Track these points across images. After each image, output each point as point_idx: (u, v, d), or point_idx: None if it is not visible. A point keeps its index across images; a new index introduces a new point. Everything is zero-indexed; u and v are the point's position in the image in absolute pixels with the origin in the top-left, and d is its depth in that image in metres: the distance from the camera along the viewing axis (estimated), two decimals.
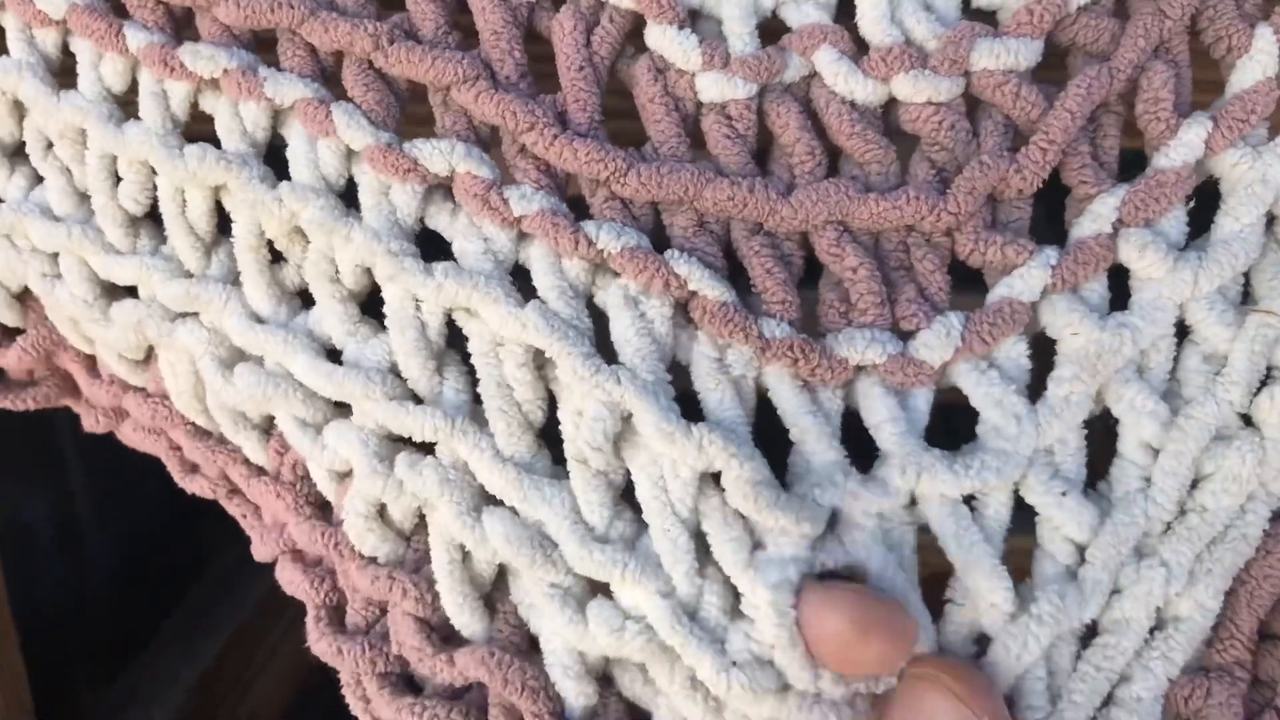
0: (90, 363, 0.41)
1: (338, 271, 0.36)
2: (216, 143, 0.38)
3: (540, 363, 0.34)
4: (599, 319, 0.35)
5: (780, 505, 0.31)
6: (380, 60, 0.36)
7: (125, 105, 0.38)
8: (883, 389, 0.33)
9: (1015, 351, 0.33)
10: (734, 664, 0.30)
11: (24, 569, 0.96)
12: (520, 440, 0.34)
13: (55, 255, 0.39)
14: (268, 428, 0.38)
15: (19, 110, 0.38)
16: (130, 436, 0.43)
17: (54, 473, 0.95)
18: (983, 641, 0.32)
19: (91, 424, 0.43)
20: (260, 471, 0.39)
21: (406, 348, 0.35)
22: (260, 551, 0.41)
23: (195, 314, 0.37)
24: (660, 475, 0.31)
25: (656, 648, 0.31)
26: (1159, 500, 0.32)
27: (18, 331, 0.42)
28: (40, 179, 0.39)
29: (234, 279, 0.38)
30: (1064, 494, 0.32)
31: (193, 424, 0.40)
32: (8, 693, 0.73)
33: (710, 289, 0.33)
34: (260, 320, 0.37)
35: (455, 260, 0.35)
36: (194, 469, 0.42)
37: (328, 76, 0.37)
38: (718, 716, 0.30)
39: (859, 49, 0.34)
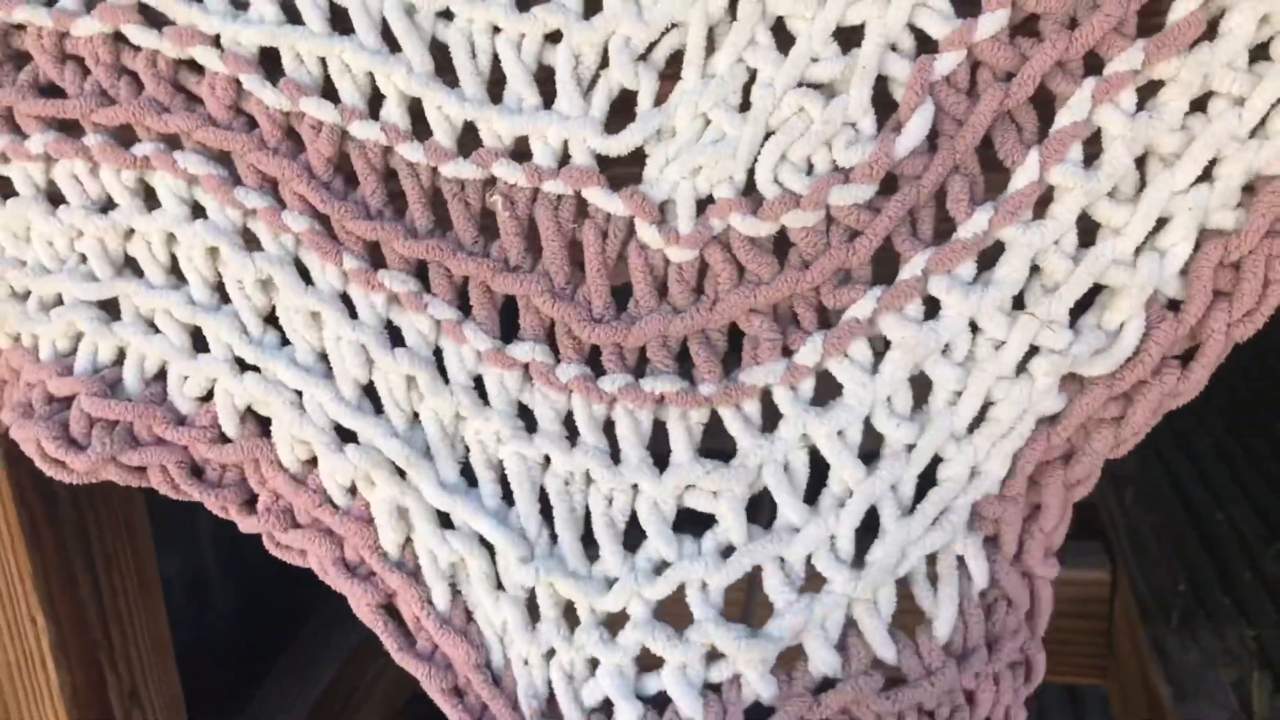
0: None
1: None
2: None
3: None
4: None
5: None
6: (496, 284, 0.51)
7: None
8: (790, 392, 0.49)
9: (860, 347, 0.49)
10: None
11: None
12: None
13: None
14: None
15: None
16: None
17: (184, 531, 1.09)
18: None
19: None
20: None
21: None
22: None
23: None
24: None
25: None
26: (961, 414, 0.49)
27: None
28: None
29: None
30: (898, 424, 0.49)
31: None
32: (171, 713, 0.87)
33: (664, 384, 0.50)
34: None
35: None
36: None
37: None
38: None
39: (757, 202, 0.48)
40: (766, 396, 0.50)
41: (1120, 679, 1.03)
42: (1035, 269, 0.47)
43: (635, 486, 0.51)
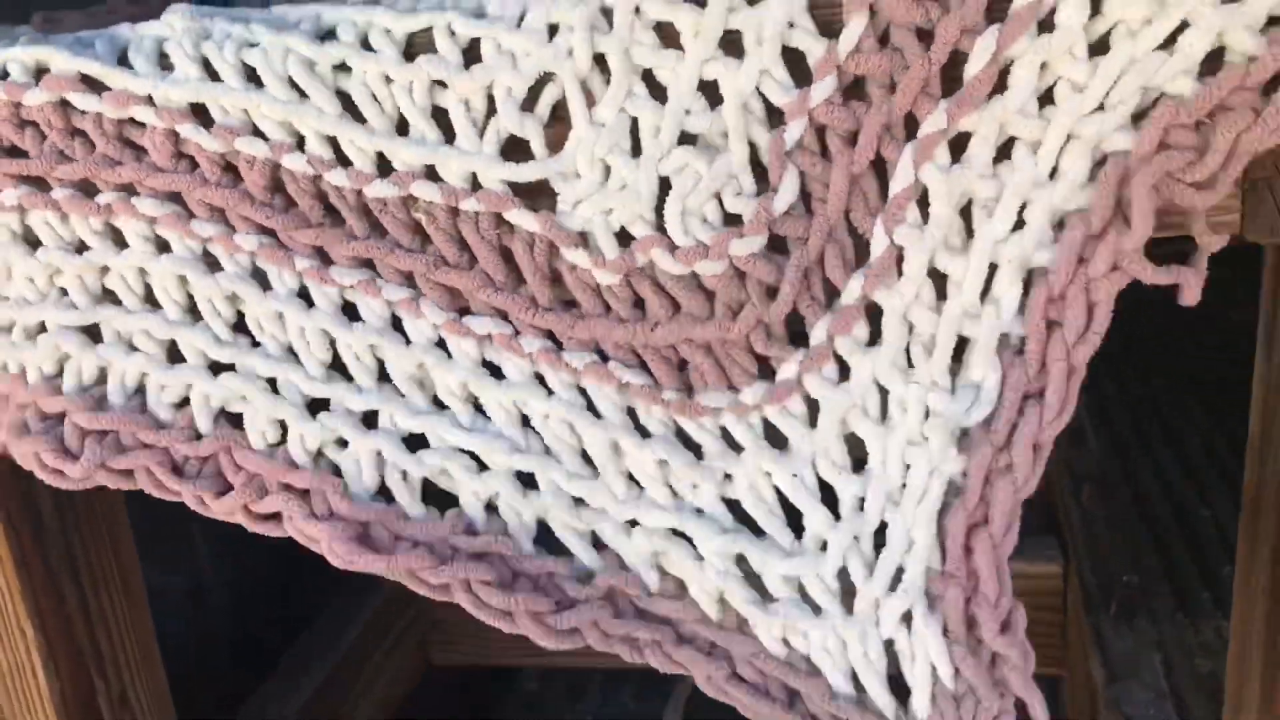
0: None
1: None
2: None
3: None
4: None
5: None
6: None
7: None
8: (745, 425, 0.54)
9: (796, 402, 0.53)
10: None
11: (157, 628, 1.17)
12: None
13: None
14: None
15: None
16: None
17: (184, 547, 1.16)
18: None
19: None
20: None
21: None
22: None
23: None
24: None
25: None
26: (890, 477, 0.52)
27: None
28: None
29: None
30: (839, 475, 0.53)
31: None
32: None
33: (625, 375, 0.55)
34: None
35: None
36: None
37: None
38: None
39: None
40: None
41: (1070, 669, 1.07)
42: (911, 327, 0.51)
43: (616, 443, 0.56)
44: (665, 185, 0.52)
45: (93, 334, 0.62)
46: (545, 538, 0.59)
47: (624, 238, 0.53)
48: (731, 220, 0.52)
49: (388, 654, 1.18)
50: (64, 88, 0.57)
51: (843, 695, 0.55)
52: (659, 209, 0.52)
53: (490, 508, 0.59)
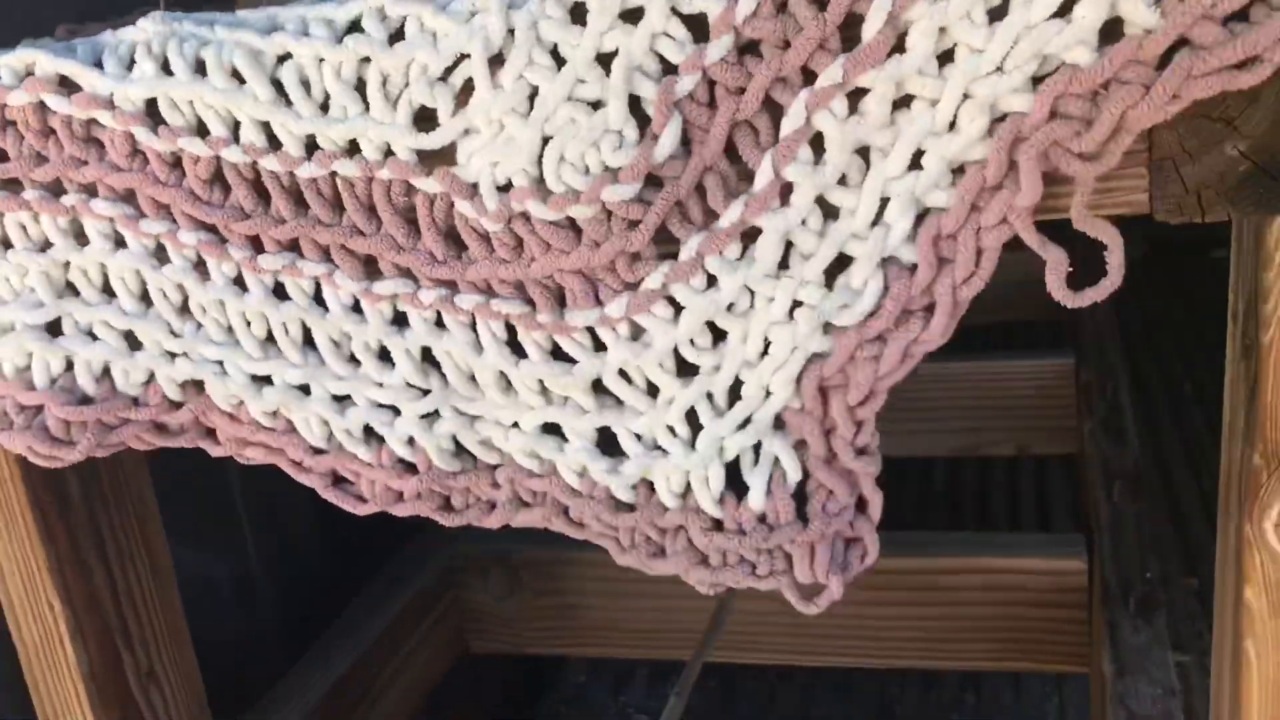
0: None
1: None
2: None
3: None
4: None
5: None
6: None
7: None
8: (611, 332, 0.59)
9: (661, 306, 0.57)
10: None
11: (209, 615, 1.23)
12: None
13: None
14: None
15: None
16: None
17: (232, 539, 1.21)
18: None
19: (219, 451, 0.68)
20: None
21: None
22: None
23: None
24: None
25: None
26: (749, 349, 0.57)
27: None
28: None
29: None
30: (699, 354, 0.58)
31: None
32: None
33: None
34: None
35: None
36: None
37: None
38: None
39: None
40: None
41: (1093, 665, 1.05)
42: (791, 244, 0.55)
43: (502, 373, 0.62)
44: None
45: (53, 328, 0.67)
46: None
47: (509, 189, 0.57)
48: (612, 172, 0.56)
49: (423, 639, 1.21)
50: (42, 89, 0.62)
51: (674, 509, 0.61)
52: (540, 162, 0.56)
53: (410, 441, 0.65)
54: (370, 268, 0.62)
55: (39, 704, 0.90)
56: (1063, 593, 1.08)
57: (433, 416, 0.64)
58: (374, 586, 1.22)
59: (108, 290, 0.66)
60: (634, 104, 0.54)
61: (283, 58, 0.59)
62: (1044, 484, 1.63)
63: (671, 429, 0.60)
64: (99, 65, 0.62)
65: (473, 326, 0.61)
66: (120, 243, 0.65)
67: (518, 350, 0.61)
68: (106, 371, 0.67)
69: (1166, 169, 0.51)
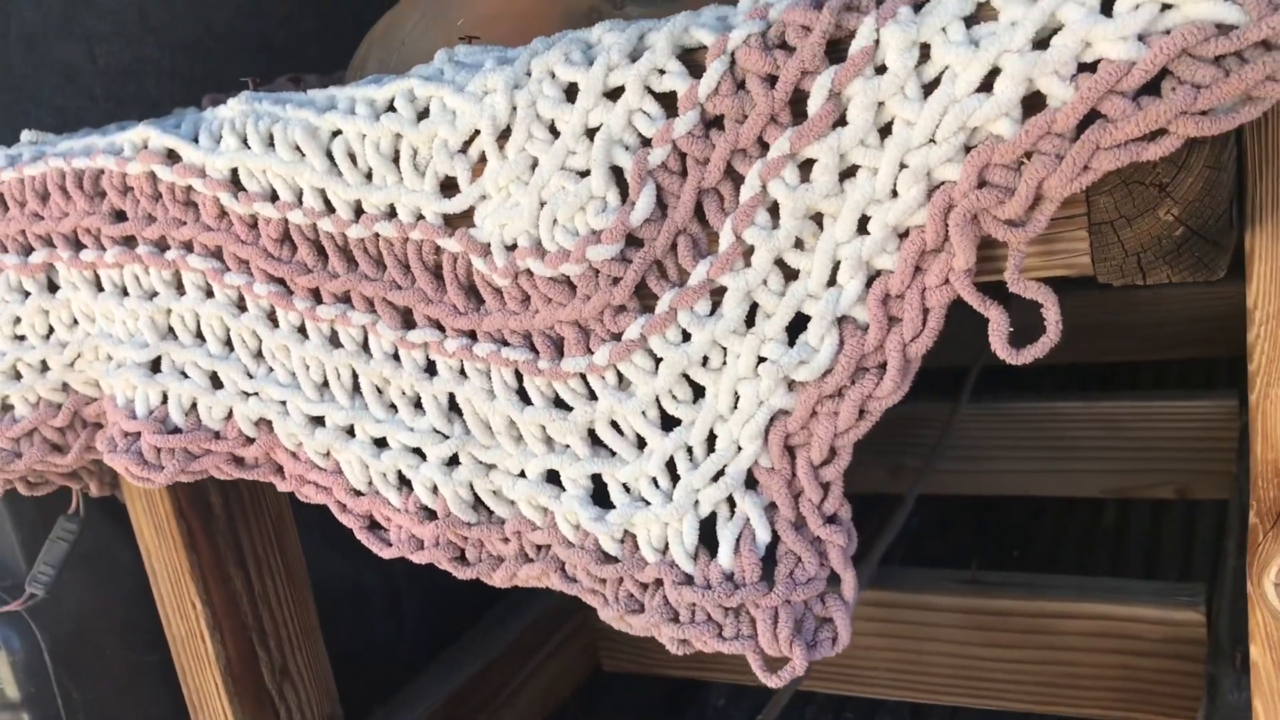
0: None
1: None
2: None
3: None
4: None
5: None
6: None
7: None
8: (600, 380, 0.64)
9: (641, 357, 0.62)
10: None
11: (362, 622, 1.33)
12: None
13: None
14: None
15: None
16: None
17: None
18: None
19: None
20: None
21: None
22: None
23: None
24: None
25: None
26: (721, 403, 0.61)
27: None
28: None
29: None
30: (677, 407, 0.63)
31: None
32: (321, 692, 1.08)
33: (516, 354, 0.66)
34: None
35: None
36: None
37: None
38: None
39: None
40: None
41: None
42: (756, 303, 0.59)
43: (511, 421, 0.67)
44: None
45: (154, 366, 0.77)
46: None
47: (514, 249, 0.64)
48: (597, 234, 0.61)
49: (552, 653, 1.29)
50: (152, 160, 0.72)
51: (652, 564, 0.64)
52: (538, 224, 0.62)
53: (435, 491, 0.71)
54: (407, 318, 0.69)
55: (187, 694, 1.02)
56: (1178, 644, 1.04)
57: (453, 465, 0.69)
58: (507, 601, 1.30)
59: (199, 335, 0.76)
60: (617, 173, 0.60)
61: (335, 133, 0.67)
62: (1193, 528, 1.56)
63: (655, 481, 0.64)
64: (196, 140, 0.72)
65: (488, 374, 0.67)
66: (209, 293, 0.74)
67: (526, 399, 0.67)
68: (194, 407, 0.77)
69: (1105, 232, 0.52)
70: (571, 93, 0.60)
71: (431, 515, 0.71)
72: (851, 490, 0.62)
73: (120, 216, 0.76)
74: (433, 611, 1.36)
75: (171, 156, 0.73)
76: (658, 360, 0.62)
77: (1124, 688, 1.10)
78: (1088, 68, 0.48)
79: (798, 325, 0.59)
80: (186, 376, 0.76)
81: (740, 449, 0.61)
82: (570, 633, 1.33)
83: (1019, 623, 1.13)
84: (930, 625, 1.17)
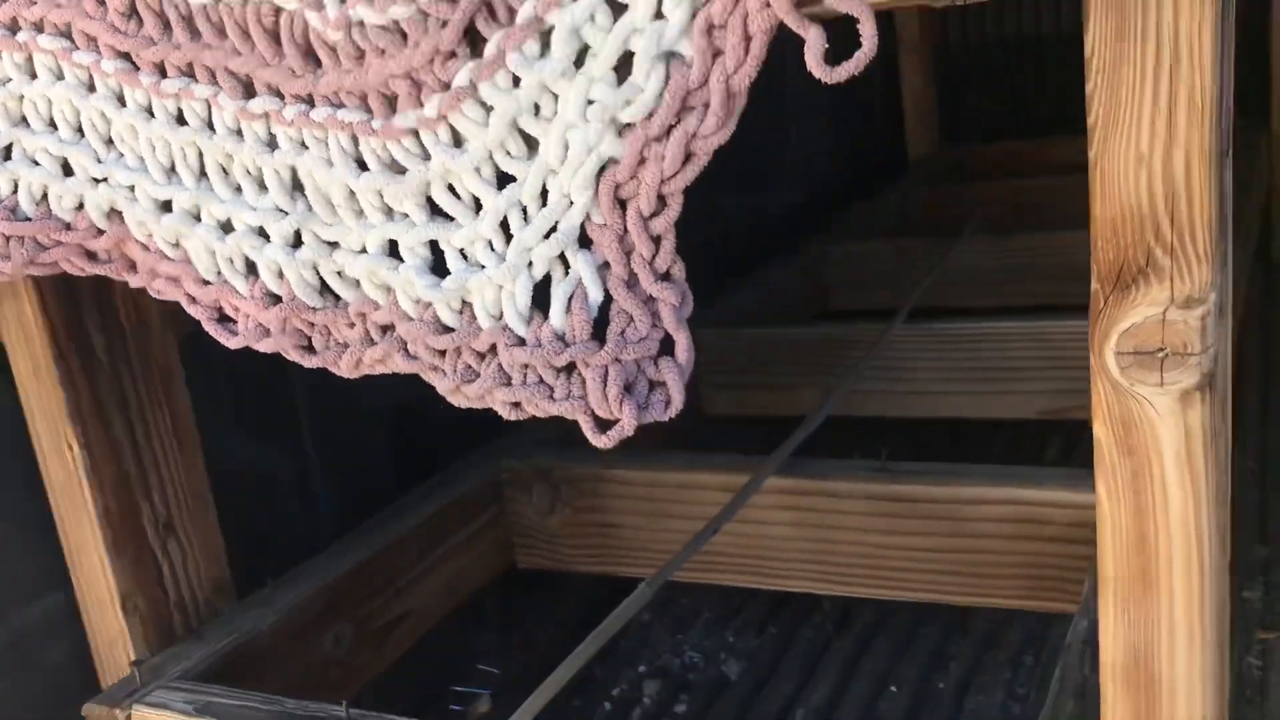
0: None
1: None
2: None
3: None
4: None
5: None
6: None
7: None
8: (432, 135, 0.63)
9: (471, 107, 0.60)
10: None
11: (268, 508, 1.31)
12: None
13: None
14: None
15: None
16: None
17: (291, 433, 1.29)
18: None
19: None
20: None
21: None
22: None
23: None
24: None
25: None
26: (551, 154, 0.59)
27: None
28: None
29: None
30: (510, 161, 0.61)
31: None
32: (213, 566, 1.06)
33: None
34: None
35: None
36: None
37: None
38: None
39: None
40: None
41: None
42: (587, 45, 0.57)
43: (351, 191, 0.66)
44: None
45: (5, 154, 0.76)
46: None
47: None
48: None
49: (463, 544, 1.26)
50: None
51: (487, 330, 0.63)
52: None
53: (280, 275, 0.68)
54: (248, 89, 0.67)
55: (66, 548, 1.00)
56: (1090, 528, 1.01)
57: (298, 246, 0.68)
58: (418, 491, 1.28)
59: (51, 123, 0.74)
60: None
61: None
62: None
63: (490, 244, 0.62)
64: None
65: (326, 143, 0.65)
66: (60, 75, 0.73)
67: (363, 166, 0.65)
68: (45, 196, 0.75)
69: None
70: None
71: (277, 301, 0.69)
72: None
73: None
74: (344, 494, 1.34)
75: None
76: (489, 110, 0.60)
77: (1034, 574, 1.07)
78: None
79: (626, 74, 0.56)
80: (37, 164, 0.75)
81: (571, 202, 0.60)
82: (486, 523, 1.31)
83: (930, 509, 1.10)
84: (840, 513, 1.14)
